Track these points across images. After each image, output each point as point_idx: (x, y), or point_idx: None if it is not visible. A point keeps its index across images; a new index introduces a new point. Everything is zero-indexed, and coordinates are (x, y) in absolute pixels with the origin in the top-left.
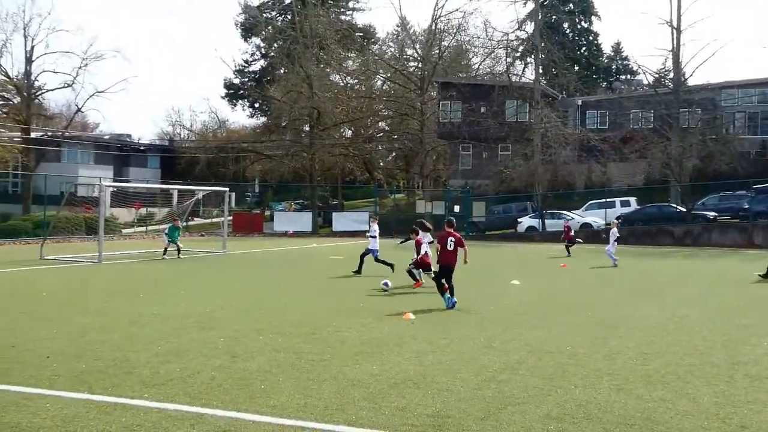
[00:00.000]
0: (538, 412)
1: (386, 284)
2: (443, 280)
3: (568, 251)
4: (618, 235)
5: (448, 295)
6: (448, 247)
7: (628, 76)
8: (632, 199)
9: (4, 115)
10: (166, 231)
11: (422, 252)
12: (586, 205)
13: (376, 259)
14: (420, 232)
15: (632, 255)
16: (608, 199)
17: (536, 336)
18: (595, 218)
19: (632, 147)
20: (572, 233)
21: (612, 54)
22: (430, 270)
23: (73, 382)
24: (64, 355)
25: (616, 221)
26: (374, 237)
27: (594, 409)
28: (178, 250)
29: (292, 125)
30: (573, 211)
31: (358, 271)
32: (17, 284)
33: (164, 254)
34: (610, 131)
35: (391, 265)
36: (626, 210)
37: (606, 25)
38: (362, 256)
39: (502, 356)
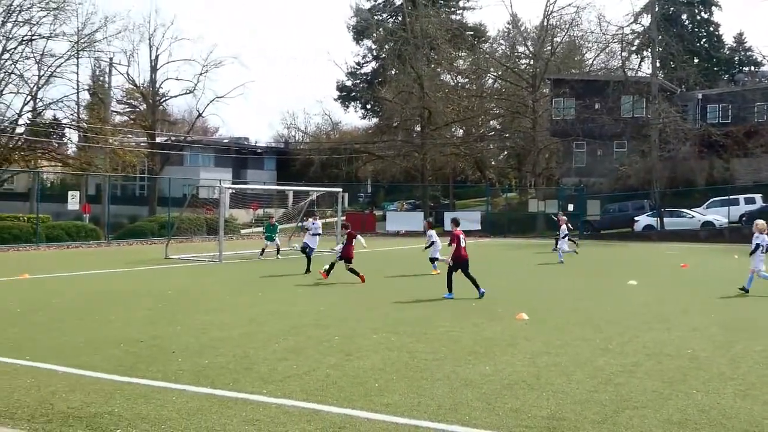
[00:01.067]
0: (658, 416)
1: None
2: (453, 275)
3: (575, 245)
4: (567, 231)
5: (452, 294)
6: (462, 243)
7: (752, 68)
8: (757, 196)
9: (132, 122)
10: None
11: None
12: (708, 202)
13: (309, 255)
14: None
15: None
16: (731, 197)
17: (654, 338)
18: (717, 216)
19: (757, 141)
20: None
21: (734, 45)
22: (350, 261)
23: (196, 377)
24: (188, 350)
25: (563, 216)
26: (317, 234)
27: (717, 415)
28: (278, 250)
29: (404, 125)
30: (693, 209)
31: (308, 270)
32: (144, 283)
33: (261, 255)
34: (732, 125)
35: (308, 270)
36: (751, 207)
37: (727, 15)
38: (307, 254)
39: (619, 358)
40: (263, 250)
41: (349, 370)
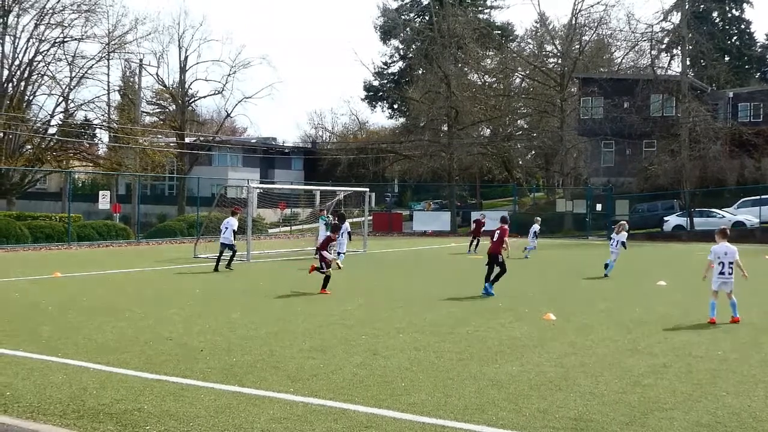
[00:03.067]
0: (687, 418)
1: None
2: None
3: (470, 247)
4: (537, 231)
5: (487, 284)
6: (493, 238)
7: None
8: None
9: (162, 122)
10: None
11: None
12: (739, 202)
13: (221, 256)
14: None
15: None
16: (762, 197)
17: (684, 339)
18: (748, 216)
19: None
20: (481, 229)
21: (766, 43)
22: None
23: (224, 375)
24: (216, 349)
25: (537, 221)
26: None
27: (748, 418)
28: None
29: (431, 125)
30: (724, 209)
31: (216, 268)
32: (173, 281)
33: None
34: (764, 124)
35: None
36: None
37: (759, 12)
38: (221, 254)
39: (648, 360)
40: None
41: (376, 369)
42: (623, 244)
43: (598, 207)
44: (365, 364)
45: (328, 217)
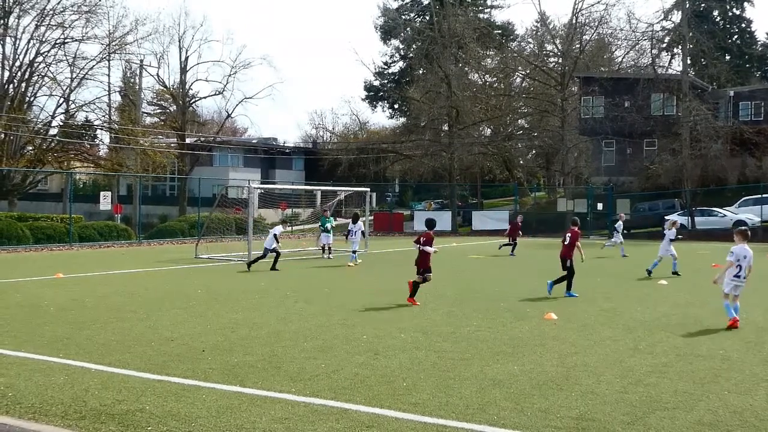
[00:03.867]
0: (689, 417)
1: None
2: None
3: (511, 247)
4: (620, 231)
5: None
6: (564, 242)
7: None
8: None
9: (162, 123)
10: (325, 227)
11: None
12: (740, 201)
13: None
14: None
15: None
16: (764, 195)
17: (685, 338)
18: (750, 215)
19: None
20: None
21: (766, 41)
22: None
23: (226, 375)
24: (218, 349)
25: (621, 218)
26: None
27: (750, 417)
28: (329, 249)
29: (431, 125)
30: (725, 208)
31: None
32: (175, 282)
33: (325, 253)
34: (765, 123)
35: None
36: None
37: (760, 11)
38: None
39: (649, 359)
40: (323, 248)
41: (377, 369)
42: (670, 239)
43: (599, 206)
44: (366, 364)
45: (330, 218)
